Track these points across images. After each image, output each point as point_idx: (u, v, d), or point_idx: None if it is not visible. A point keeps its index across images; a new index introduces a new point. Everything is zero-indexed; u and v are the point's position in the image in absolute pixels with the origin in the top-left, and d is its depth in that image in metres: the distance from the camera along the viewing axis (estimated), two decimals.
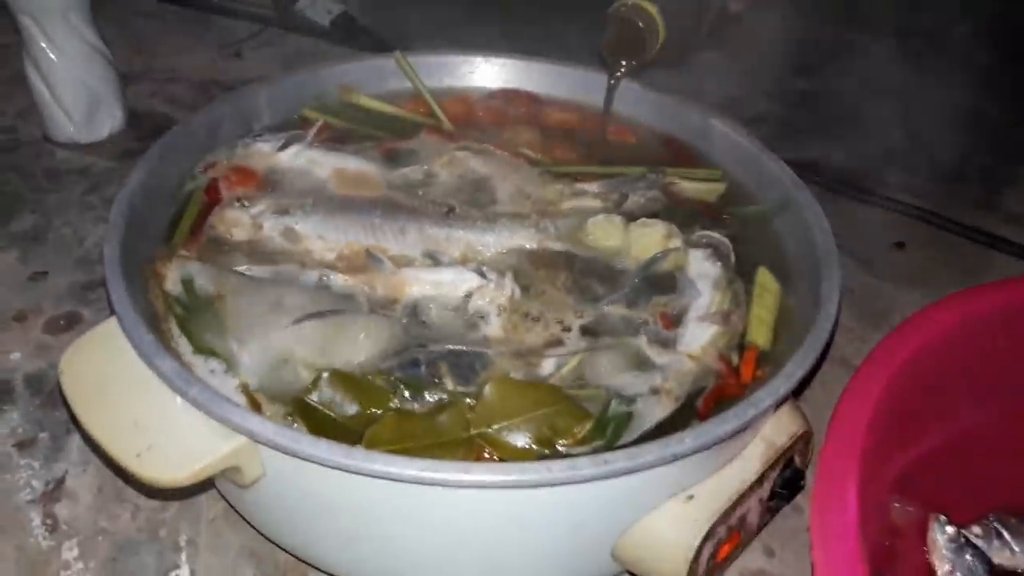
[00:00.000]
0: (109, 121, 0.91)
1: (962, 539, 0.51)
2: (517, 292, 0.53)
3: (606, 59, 0.67)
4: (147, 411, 0.42)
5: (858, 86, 1.08)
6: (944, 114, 1.02)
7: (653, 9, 0.63)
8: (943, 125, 1.02)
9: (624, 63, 0.67)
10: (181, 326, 0.48)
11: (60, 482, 0.57)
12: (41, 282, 0.73)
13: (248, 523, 0.52)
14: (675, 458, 0.40)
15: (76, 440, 0.59)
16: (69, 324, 0.69)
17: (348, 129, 0.66)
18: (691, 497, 0.44)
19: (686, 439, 0.40)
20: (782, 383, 0.44)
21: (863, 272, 0.82)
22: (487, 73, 0.72)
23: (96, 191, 0.84)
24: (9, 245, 0.76)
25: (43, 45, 0.84)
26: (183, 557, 0.53)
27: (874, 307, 0.77)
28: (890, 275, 0.82)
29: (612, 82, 0.68)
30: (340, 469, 0.38)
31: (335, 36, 1.11)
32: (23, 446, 0.59)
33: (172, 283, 0.51)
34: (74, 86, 0.87)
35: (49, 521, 0.54)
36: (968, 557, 0.51)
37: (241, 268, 0.53)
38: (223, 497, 0.53)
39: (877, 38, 1.14)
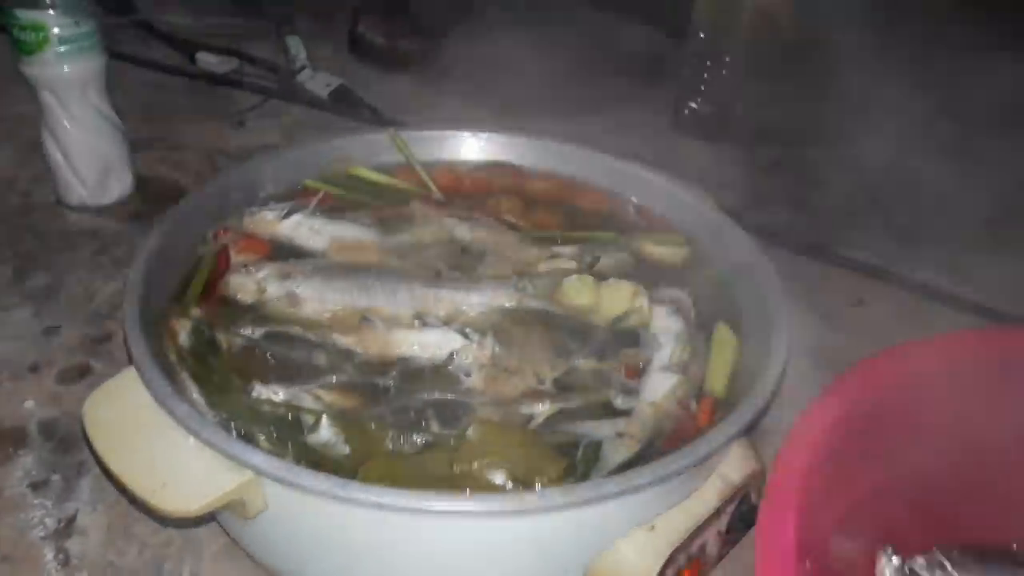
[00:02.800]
0: (119, 186, 0.97)
1: (907, 570, 0.56)
2: (497, 350, 0.58)
3: None
4: (162, 451, 0.47)
5: (821, 155, 1.16)
6: (901, 180, 1.10)
7: None
8: (900, 190, 1.10)
9: None
10: (194, 378, 0.52)
11: (71, 520, 0.61)
12: (54, 336, 0.77)
13: (248, 556, 0.56)
14: (636, 489, 0.44)
15: (87, 482, 0.64)
16: (80, 375, 0.73)
17: (346, 198, 0.72)
18: (653, 527, 0.49)
19: (645, 472, 0.45)
20: (733, 424, 0.49)
21: (824, 327, 0.87)
22: (474, 147, 0.78)
23: (106, 252, 0.89)
24: (24, 301, 0.81)
25: (61, 117, 0.90)
26: None
27: (833, 360, 0.82)
28: (849, 329, 0.88)
29: None
30: (335, 499, 0.43)
31: (334, 107, 1.18)
32: (37, 487, 0.63)
33: (184, 339, 0.56)
34: (88, 154, 0.93)
35: (61, 556, 0.58)
36: None
37: (247, 330, 0.58)
38: (225, 532, 0.58)
39: (841, 107, 1.22)
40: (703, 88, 1.19)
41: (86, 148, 0.93)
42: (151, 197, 0.98)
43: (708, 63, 1.17)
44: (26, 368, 0.73)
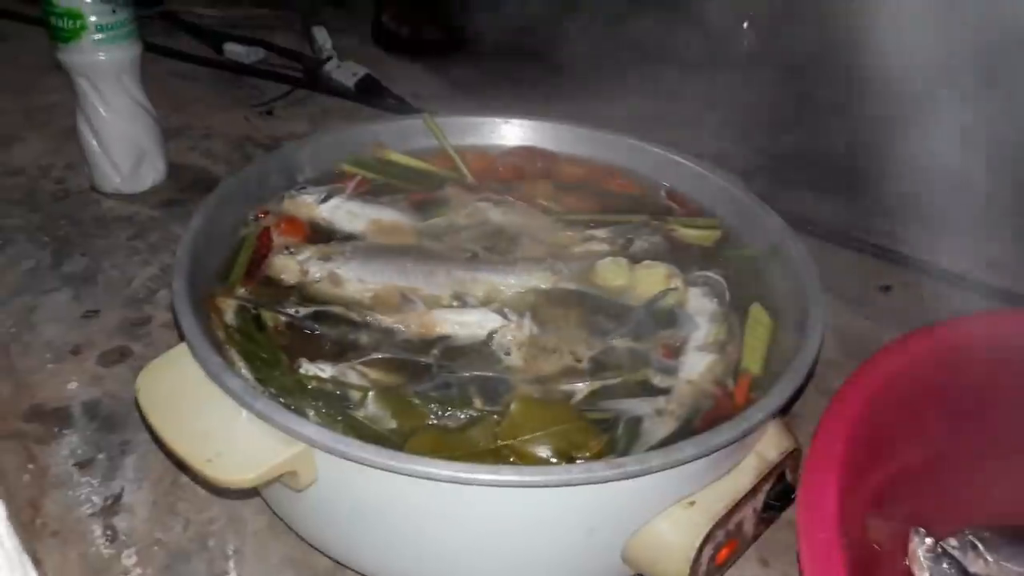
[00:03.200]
0: (152, 173, 0.98)
1: (940, 550, 0.56)
2: (535, 330, 0.59)
3: None
4: (215, 422, 0.48)
5: (844, 143, 1.16)
6: (922, 169, 1.10)
7: None
8: (922, 179, 1.10)
9: None
10: (243, 355, 0.54)
11: (118, 498, 0.62)
12: (94, 319, 0.79)
13: (291, 531, 0.58)
14: (678, 463, 0.45)
15: (131, 460, 0.65)
16: (120, 357, 0.75)
17: (382, 182, 0.73)
18: (692, 503, 0.50)
19: (687, 447, 0.46)
20: (772, 401, 0.50)
21: (851, 312, 0.88)
22: (506, 132, 0.80)
23: (141, 237, 0.91)
24: (63, 285, 0.83)
25: (96, 104, 0.92)
26: (231, 564, 0.58)
27: (861, 344, 0.83)
28: (876, 315, 0.88)
29: None
30: (387, 470, 0.44)
31: (360, 97, 1.19)
32: (83, 465, 0.65)
33: (230, 317, 0.57)
34: (122, 141, 0.95)
35: (109, 532, 0.60)
36: (945, 566, 0.56)
37: (292, 309, 0.59)
38: (268, 509, 0.59)
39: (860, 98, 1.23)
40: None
41: (121, 135, 0.94)
42: (183, 185, 1.00)
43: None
44: (68, 351, 0.75)
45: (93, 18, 0.86)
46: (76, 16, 0.85)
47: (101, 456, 0.65)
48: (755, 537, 0.57)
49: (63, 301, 0.81)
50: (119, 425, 0.68)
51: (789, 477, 0.57)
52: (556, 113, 0.83)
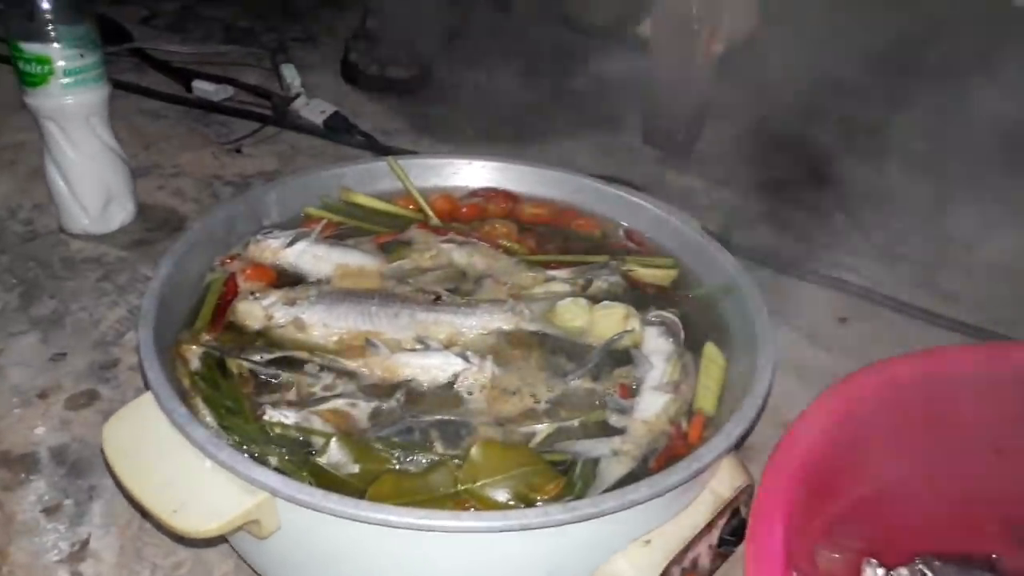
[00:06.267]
0: (121, 214, 0.99)
1: None
2: (497, 372, 0.61)
3: None
4: (180, 472, 0.49)
5: (802, 177, 1.20)
6: (880, 199, 1.14)
7: None
8: (880, 210, 1.13)
9: None
10: (207, 403, 0.55)
11: (85, 544, 0.63)
12: (61, 362, 0.79)
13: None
14: (632, 504, 0.47)
15: (98, 505, 0.65)
16: (89, 401, 0.75)
17: (347, 225, 0.75)
18: (648, 541, 0.51)
19: (641, 488, 0.47)
20: (722, 441, 0.52)
21: (809, 345, 0.90)
22: (469, 174, 0.81)
23: (109, 278, 0.91)
24: (31, 328, 0.83)
25: (64, 146, 0.92)
26: None
27: (817, 376, 0.85)
28: (834, 348, 0.91)
29: None
30: (349, 519, 0.45)
31: (328, 134, 1.21)
32: (49, 512, 0.65)
33: (195, 364, 0.58)
34: (91, 182, 0.95)
35: None
36: None
37: (256, 355, 0.60)
38: (235, 553, 0.60)
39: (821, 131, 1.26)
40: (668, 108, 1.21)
41: (89, 177, 0.95)
42: (152, 224, 1.00)
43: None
44: (35, 395, 0.75)
45: (61, 63, 0.87)
46: (44, 61, 0.86)
47: (68, 502, 0.66)
48: (712, 572, 0.58)
49: (30, 344, 0.81)
50: (87, 470, 0.68)
51: (743, 512, 0.59)
52: (518, 151, 0.85)
